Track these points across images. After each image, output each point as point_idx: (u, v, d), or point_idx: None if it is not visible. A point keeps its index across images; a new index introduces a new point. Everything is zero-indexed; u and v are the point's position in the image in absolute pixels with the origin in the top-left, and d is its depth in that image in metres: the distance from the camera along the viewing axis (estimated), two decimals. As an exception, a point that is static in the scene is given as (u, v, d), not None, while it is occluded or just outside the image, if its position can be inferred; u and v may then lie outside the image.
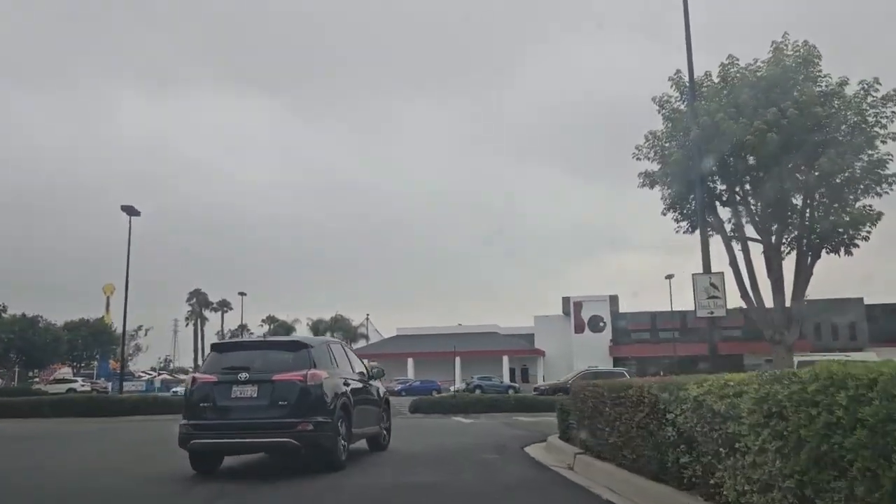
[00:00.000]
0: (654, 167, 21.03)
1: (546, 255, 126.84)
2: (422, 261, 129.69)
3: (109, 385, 69.69)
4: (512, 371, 70.50)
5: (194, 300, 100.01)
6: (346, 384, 9.24)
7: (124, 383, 75.79)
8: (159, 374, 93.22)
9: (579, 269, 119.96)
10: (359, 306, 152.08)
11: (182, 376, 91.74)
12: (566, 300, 74.26)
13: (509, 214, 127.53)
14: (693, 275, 15.49)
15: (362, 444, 10.54)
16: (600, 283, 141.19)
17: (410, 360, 71.14)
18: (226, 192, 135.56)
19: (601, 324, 71.83)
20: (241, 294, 66.50)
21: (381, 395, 11.15)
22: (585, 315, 72.32)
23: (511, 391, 50.24)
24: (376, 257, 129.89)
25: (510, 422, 17.40)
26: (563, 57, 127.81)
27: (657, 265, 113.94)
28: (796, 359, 21.71)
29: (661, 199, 21.34)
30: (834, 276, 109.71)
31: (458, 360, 69.00)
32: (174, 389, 61.96)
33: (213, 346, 9.66)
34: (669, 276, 51.34)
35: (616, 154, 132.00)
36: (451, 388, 58.15)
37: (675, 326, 69.97)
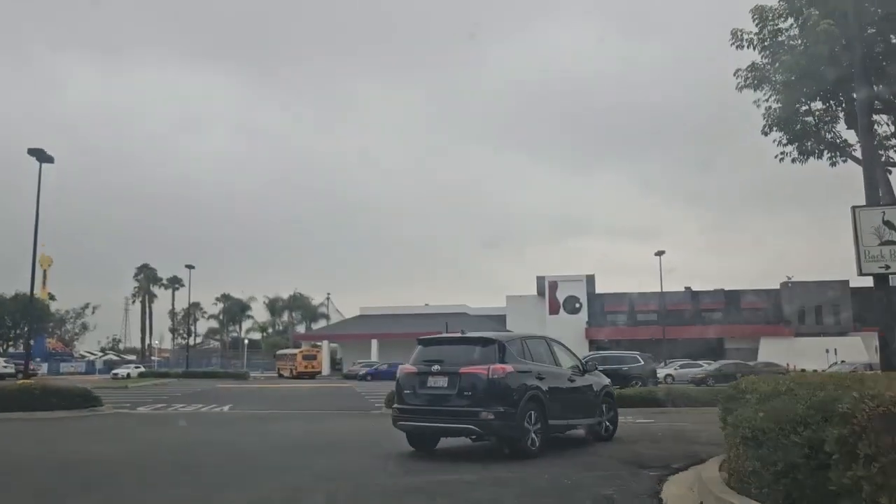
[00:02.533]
0: (759, 63, 15.46)
1: (517, 238, 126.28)
2: (388, 242, 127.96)
3: (45, 366, 66.24)
4: (483, 354, 68.76)
5: (142, 276, 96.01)
6: (540, 377, 9.94)
7: (62, 364, 72.90)
8: (105, 355, 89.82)
9: (549, 253, 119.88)
10: (321, 286, 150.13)
11: (130, 357, 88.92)
12: (541, 280, 72.73)
13: (478, 195, 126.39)
14: (855, 209, 11.60)
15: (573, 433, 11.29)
16: (573, 268, 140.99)
17: (374, 342, 68.93)
18: (180, 167, 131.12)
19: (577, 305, 70.52)
20: (189, 267, 62.75)
21: (599, 388, 11.58)
22: (561, 295, 70.91)
23: (487, 376, 48.53)
24: (342, 238, 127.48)
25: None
26: (530, 39, 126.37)
27: (627, 250, 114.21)
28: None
29: (764, 112, 15.88)
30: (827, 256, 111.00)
31: (425, 341, 67.07)
32: (115, 371, 58.79)
33: (420, 341, 10.71)
34: (660, 253, 49.97)
35: (583, 138, 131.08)
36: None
37: (653, 308, 69.25)
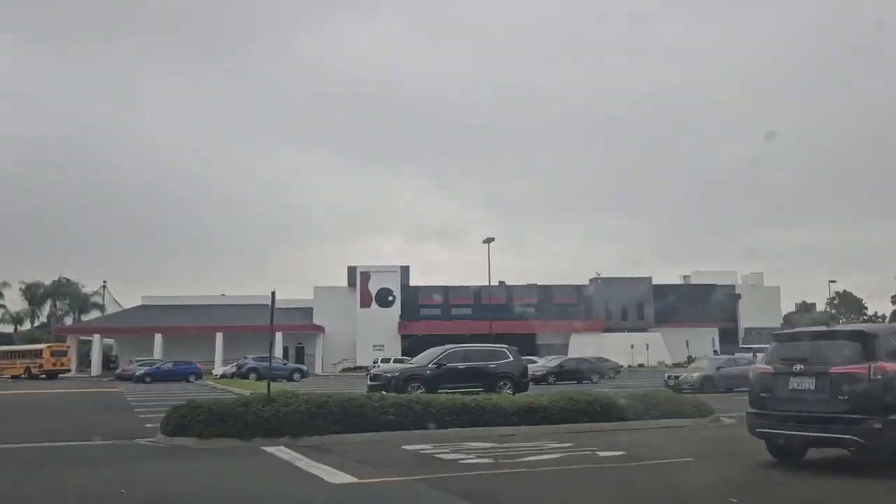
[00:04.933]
0: None
1: (323, 231, 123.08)
2: (184, 231, 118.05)
3: None
4: (286, 349, 64.46)
5: None
6: None
7: None
8: None
9: (358, 249, 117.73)
10: (99, 274, 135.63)
11: None
12: (352, 270, 69.72)
13: (281, 187, 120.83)
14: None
15: None
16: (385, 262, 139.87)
17: (158, 336, 61.66)
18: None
19: (390, 297, 68.42)
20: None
21: None
22: (373, 287, 68.39)
23: (298, 375, 44.60)
24: (127, 224, 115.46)
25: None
26: (334, 36, 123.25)
27: (434, 248, 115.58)
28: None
29: None
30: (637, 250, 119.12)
31: (220, 336, 61.42)
32: None
33: (775, 336, 9.85)
34: (489, 240, 48.92)
35: (391, 137, 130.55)
36: (214, 371, 50.88)
37: (468, 302, 69.12)
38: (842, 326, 10.02)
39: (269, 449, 10.67)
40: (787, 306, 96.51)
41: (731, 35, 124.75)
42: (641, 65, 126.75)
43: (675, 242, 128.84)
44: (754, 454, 9.40)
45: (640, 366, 60.30)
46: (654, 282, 70.78)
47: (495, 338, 54.94)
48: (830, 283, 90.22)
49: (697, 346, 64.08)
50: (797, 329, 10.46)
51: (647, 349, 62.54)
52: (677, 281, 75.66)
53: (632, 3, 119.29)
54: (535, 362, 41.29)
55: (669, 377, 28.23)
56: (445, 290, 70.12)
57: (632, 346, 61.61)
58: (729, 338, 68.81)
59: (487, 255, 50.58)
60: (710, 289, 71.75)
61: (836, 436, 8.13)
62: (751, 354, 36.19)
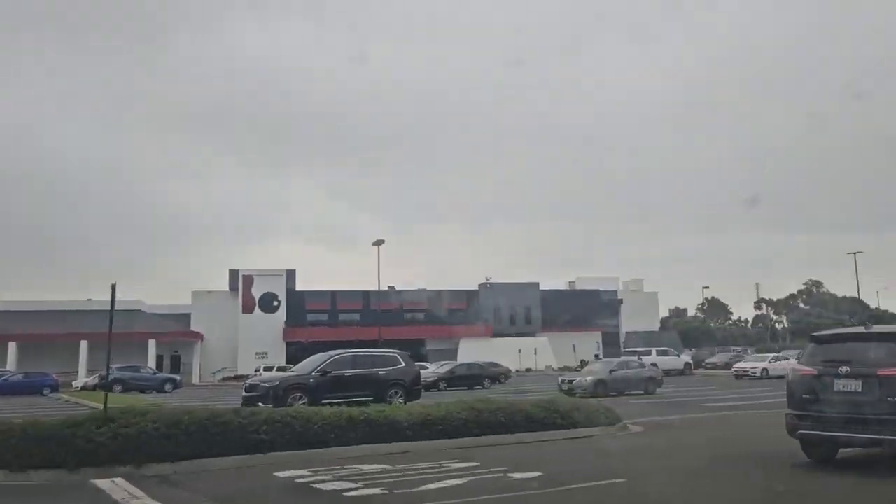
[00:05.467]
0: None
1: (206, 235, 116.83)
2: (55, 230, 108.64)
3: None
4: (160, 358, 59.71)
5: None
6: None
7: None
8: None
9: (242, 252, 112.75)
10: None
11: None
12: (234, 274, 65.72)
13: (157, 186, 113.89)
14: None
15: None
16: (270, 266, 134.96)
17: (13, 345, 55.46)
18: None
19: (275, 303, 64.94)
20: None
21: None
22: (257, 292, 64.69)
23: (170, 385, 40.66)
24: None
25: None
26: (220, 32, 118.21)
27: (324, 253, 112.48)
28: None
29: None
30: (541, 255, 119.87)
31: (84, 344, 55.98)
32: None
33: (813, 338, 9.59)
34: (378, 242, 46.79)
35: (281, 139, 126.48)
36: (74, 384, 45.96)
37: (356, 307, 66.76)
38: (885, 328, 9.59)
39: (100, 483, 8.36)
40: (662, 311, 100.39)
41: (619, 55, 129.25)
42: (534, 76, 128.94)
43: (563, 249, 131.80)
44: (691, 472, 8.20)
45: (528, 370, 60.10)
46: (542, 287, 71.08)
47: (385, 344, 52.87)
48: (704, 289, 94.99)
49: (582, 350, 64.76)
50: (837, 330, 10.24)
51: (535, 353, 62.49)
52: (563, 287, 76.50)
53: (510, 15, 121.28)
54: (426, 368, 39.77)
55: (563, 381, 27.39)
56: (333, 295, 67.43)
57: (520, 351, 61.31)
58: (611, 341, 70.08)
59: (378, 258, 48.36)
60: (594, 294, 72.91)
61: (888, 437, 7.96)
62: (635, 357, 36.33)
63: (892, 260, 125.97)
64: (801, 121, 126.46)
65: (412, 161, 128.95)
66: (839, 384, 8.37)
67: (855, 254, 66.92)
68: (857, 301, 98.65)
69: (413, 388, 20.14)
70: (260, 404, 17.07)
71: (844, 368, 8.35)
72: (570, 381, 26.94)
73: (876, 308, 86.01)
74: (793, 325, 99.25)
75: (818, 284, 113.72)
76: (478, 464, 9.37)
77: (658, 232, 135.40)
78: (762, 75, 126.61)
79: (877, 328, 9.36)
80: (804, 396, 8.77)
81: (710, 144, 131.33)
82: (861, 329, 9.45)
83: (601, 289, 73.81)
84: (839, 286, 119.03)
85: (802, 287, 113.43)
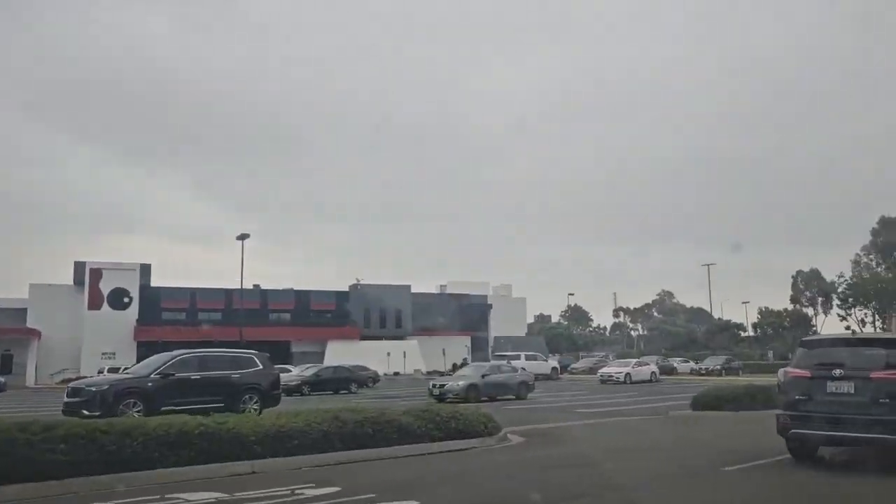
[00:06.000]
0: None
1: (58, 227, 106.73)
2: None
3: None
4: (-12, 358, 53.04)
5: None
6: None
7: None
8: None
9: (94, 245, 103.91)
10: None
11: None
12: (80, 266, 59.65)
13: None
14: None
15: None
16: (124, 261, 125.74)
17: None
18: None
19: (126, 299, 59.48)
20: None
21: None
22: (106, 287, 58.99)
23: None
24: None
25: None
26: (76, 16, 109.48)
27: (186, 250, 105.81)
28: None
29: None
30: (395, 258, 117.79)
31: None
32: None
33: (803, 343, 9.94)
34: (243, 237, 43.27)
35: (146, 132, 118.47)
36: None
37: (218, 306, 62.53)
38: (876, 334, 10.66)
39: None
40: (529, 318, 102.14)
41: (495, 70, 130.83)
42: (414, 78, 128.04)
43: (435, 254, 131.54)
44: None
45: (397, 374, 58.50)
46: (413, 290, 69.75)
47: (247, 345, 49.40)
48: (570, 296, 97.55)
49: (452, 354, 63.95)
50: (826, 336, 10.55)
51: (405, 357, 61.00)
52: (435, 290, 75.64)
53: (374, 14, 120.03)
54: (289, 371, 37.19)
55: (435, 385, 25.92)
56: (192, 293, 62.79)
57: (389, 354, 59.60)
58: (480, 346, 69.90)
59: (241, 253, 44.93)
60: (464, 298, 72.51)
61: (880, 436, 8.30)
62: (505, 361, 35.62)
63: (733, 277, 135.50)
64: (659, 147, 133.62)
65: (285, 159, 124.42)
66: (832, 386, 8.73)
67: (709, 266, 70.63)
68: (702, 311, 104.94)
69: (271, 393, 17.83)
70: (84, 412, 14.31)
71: (838, 371, 8.70)
72: (442, 386, 25.51)
73: (719, 318, 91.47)
74: (648, 332, 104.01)
75: (670, 295, 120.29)
76: (339, 489, 7.54)
77: (527, 240, 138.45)
78: (624, 87, 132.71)
79: (862, 334, 10.15)
80: (798, 397, 9.06)
81: (577, 155, 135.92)
82: (849, 335, 10.03)
83: (472, 293, 73.59)
84: (687, 297, 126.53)
85: (656, 297, 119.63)
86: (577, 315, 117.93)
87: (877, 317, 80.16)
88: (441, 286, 76.42)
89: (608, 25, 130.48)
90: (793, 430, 9.04)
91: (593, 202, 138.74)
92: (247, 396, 17.14)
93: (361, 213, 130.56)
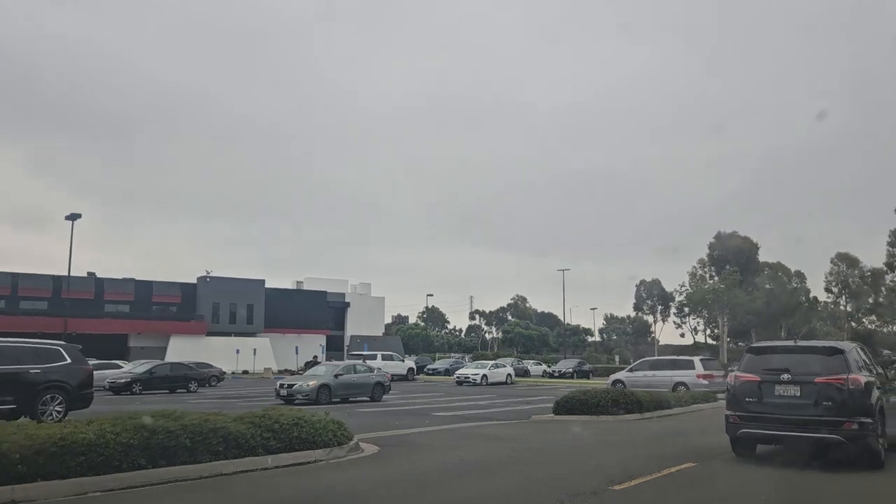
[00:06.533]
0: None
1: None
2: None
3: None
4: None
5: None
6: (879, 387, 9.83)
7: None
8: None
9: None
10: None
11: None
12: None
13: None
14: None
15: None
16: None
17: None
18: None
19: (-71, 282, 51.71)
20: None
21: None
22: None
23: None
24: None
25: None
26: None
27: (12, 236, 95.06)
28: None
29: None
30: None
31: None
32: None
33: (750, 349, 10.59)
34: (73, 217, 38.15)
35: None
36: None
37: (44, 294, 55.87)
38: (818, 343, 10.93)
39: None
40: (387, 318, 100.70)
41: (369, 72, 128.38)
42: (264, 74, 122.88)
43: (295, 251, 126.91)
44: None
45: (245, 372, 54.86)
46: (268, 285, 66.08)
47: (77, 338, 44.06)
48: (428, 297, 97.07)
49: (306, 353, 61.05)
50: (770, 343, 11.21)
51: (255, 354, 57.36)
52: (290, 286, 72.27)
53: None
54: (120, 367, 33.28)
55: (283, 385, 23.60)
56: (14, 279, 55.76)
57: (238, 351, 55.76)
58: (336, 345, 67.45)
59: (71, 235, 39.87)
60: (321, 295, 69.72)
61: (823, 435, 9.02)
62: (361, 361, 33.86)
63: (582, 285, 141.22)
64: (516, 158, 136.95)
65: (133, 144, 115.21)
66: (780, 389, 9.46)
67: (564, 271, 72.26)
68: (553, 316, 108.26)
69: (79, 393, 14.80)
70: None
71: (786, 376, 9.43)
72: (291, 386, 23.26)
73: (568, 323, 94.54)
74: (503, 334, 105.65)
75: (524, 299, 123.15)
76: None
77: (390, 241, 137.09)
78: (487, 91, 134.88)
79: (803, 343, 10.57)
80: (748, 400, 9.68)
81: (435, 157, 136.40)
82: (791, 343, 10.77)
83: (330, 291, 70.96)
84: (540, 302, 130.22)
85: (511, 301, 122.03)
86: (434, 316, 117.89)
87: (707, 325, 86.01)
88: (298, 282, 73.19)
89: (454, 31, 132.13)
90: (742, 430, 9.70)
91: (455, 207, 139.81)
92: (48, 397, 14.16)
93: (218, 206, 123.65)
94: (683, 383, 25.48)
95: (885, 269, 72.05)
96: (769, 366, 9.70)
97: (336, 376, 23.99)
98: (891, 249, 70.18)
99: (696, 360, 27.90)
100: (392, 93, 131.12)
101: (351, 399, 24.03)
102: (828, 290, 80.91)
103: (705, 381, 25.37)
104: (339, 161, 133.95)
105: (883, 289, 74.74)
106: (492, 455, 10.57)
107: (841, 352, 9.64)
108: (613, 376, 30.69)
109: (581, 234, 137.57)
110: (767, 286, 74.52)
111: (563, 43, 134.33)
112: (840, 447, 9.07)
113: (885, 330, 72.92)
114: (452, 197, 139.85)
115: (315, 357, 51.12)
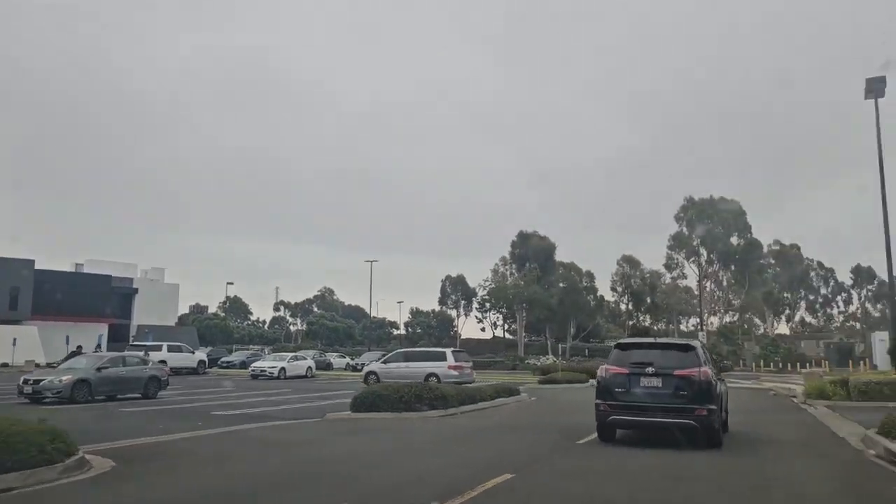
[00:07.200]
0: None
1: None
2: None
3: None
4: None
5: None
6: (719, 379, 11.44)
7: None
8: None
9: None
10: None
11: None
12: None
13: None
14: None
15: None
16: None
17: None
18: None
19: None
20: None
21: (724, 389, 12.43)
22: None
23: None
24: None
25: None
26: None
27: None
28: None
29: None
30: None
31: None
32: None
33: (617, 345, 11.78)
34: None
35: None
36: None
37: None
38: (675, 340, 12.44)
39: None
40: (183, 307, 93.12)
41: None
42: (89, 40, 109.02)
43: (73, 230, 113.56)
44: None
45: (6, 365, 46.95)
46: (38, 267, 57.39)
47: None
48: (229, 285, 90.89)
49: (85, 344, 53.68)
50: (635, 340, 12.77)
51: (14, 345, 49.26)
52: (68, 268, 63.66)
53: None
54: None
55: (28, 381, 19.31)
56: None
57: None
58: (121, 335, 60.33)
59: None
60: (104, 280, 62.05)
61: (679, 420, 10.26)
62: (143, 352, 29.79)
63: (389, 279, 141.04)
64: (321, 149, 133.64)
65: None
66: (645, 381, 10.42)
67: (371, 262, 70.68)
68: (360, 309, 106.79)
69: None
70: None
71: (650, 369, 10.42)
72: (38, 382, 19.07)
73: (374, 316, 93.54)
74: (308, 326, 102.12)
75: (331, 291, 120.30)
76: None
77: (191, 227, 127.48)
78: (295, 76, 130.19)
79: (662, 340, 11.82)
80: (617, 390, 10.59)
81: (236, 145, 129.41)
82: (653, 340, 11.93)
83: (115, 275, 63.44)
84: (347, 295, 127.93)
85: (318, 293, 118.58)
86: (236, 307, 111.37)
87: (506, 320, 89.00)
88: (77, 265, 64.71)
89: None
90: (612, 417, 10.65)
91: (261, 194, 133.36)
92: None
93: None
94: (435, 374, 26.14)
95: (664, 269, 79.41)
96: (635, 360, 10.66)
97: (99, 370, 20.13)
98: (669, 252, 77.32)
99: (448, 351, 28.67)
100: (189, 72, 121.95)
101: (119, 396, 20.41)
102: (613, 289, 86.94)
103: (456, 373, 26.59)
104: (135, 142, 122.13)
105: (658, 291, 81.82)
106: (261, 470, 8.32)
107: (693, 348, 10.81)
108: (366, 368, 30.48)
109: (390, 227, 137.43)
110: (561, 284, 78.36)
111: (381, 38, 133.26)
112: (692, 430, 10.21)
113: (657, 327, 79.94)
114: (262, 186, 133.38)
115: (79, 347, 44.56)
